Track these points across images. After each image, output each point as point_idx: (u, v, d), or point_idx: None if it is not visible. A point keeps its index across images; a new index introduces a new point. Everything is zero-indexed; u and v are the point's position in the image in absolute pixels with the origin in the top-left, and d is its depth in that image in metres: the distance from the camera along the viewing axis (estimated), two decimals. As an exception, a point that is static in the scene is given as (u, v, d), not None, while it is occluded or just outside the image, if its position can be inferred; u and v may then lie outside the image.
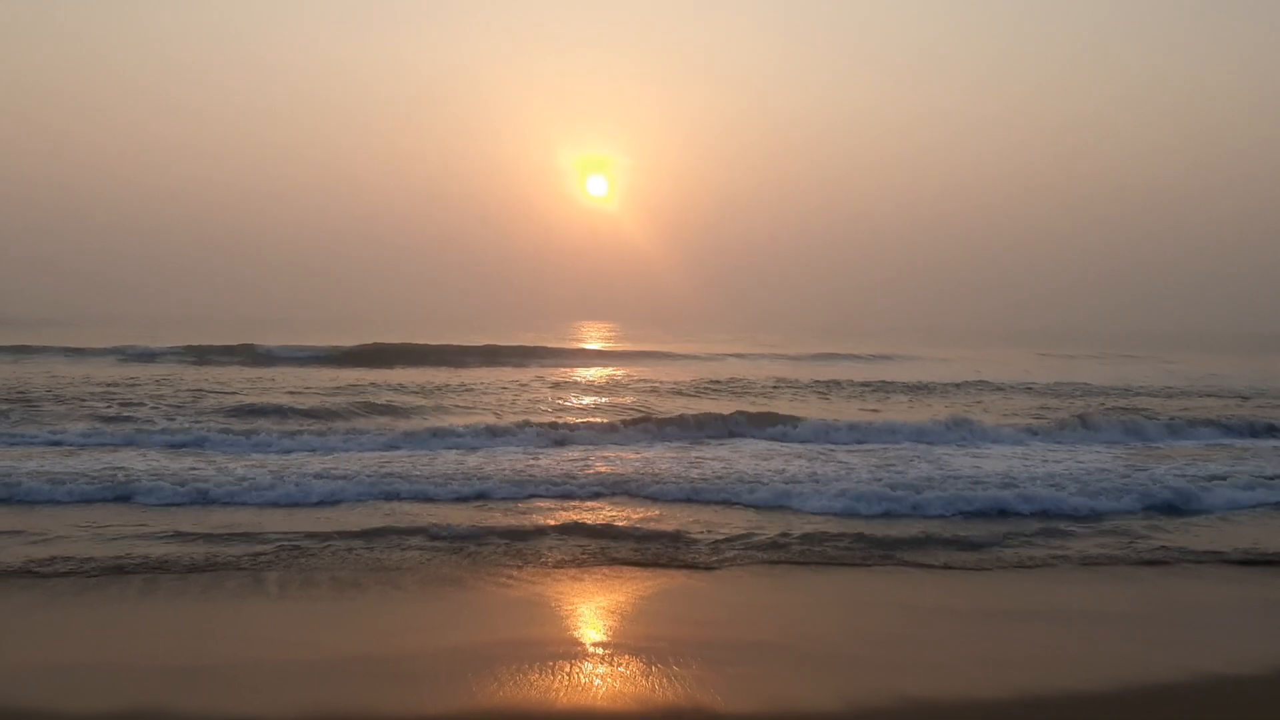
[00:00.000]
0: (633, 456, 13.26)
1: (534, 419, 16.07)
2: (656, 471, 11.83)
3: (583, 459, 12.87)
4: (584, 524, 9.10)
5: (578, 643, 5.93)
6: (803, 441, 15.19)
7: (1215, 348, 65.82)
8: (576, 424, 15.93)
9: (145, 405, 17.76)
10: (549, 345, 43.64)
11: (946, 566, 8.03)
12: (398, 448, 13.57)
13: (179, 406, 17.83)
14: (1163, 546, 8.73)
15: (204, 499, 9.91)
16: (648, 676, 5.24)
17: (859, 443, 15.15)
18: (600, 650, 5.76)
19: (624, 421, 16.36)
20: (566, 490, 10.77)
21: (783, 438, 15.57)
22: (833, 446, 14.68)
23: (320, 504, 9.90)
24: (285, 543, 8.16)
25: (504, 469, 11.75)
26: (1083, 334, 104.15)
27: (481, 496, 10.40)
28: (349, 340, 37.66)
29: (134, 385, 21.74)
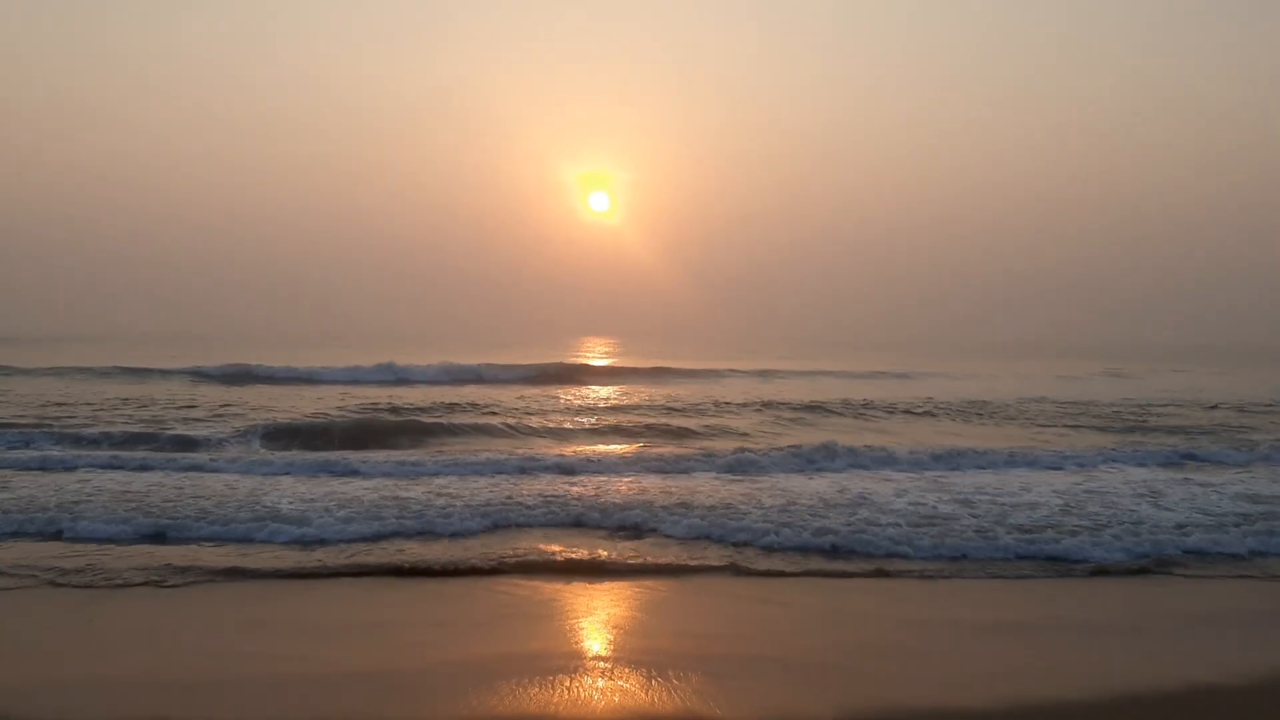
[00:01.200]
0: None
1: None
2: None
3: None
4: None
5: (578, 655, 6.02)
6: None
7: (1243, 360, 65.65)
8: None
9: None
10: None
11: (942, 577, 8.16)
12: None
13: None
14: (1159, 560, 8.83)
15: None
16: (647, 690, 5.34)
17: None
18: (601, 663, 5.85)
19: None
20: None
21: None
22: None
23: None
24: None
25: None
26: (1105, 345, 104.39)
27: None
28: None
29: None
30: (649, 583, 7.86)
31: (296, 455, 14.51)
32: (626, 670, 5.68)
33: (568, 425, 19.63)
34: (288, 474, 12.91)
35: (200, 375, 30.60)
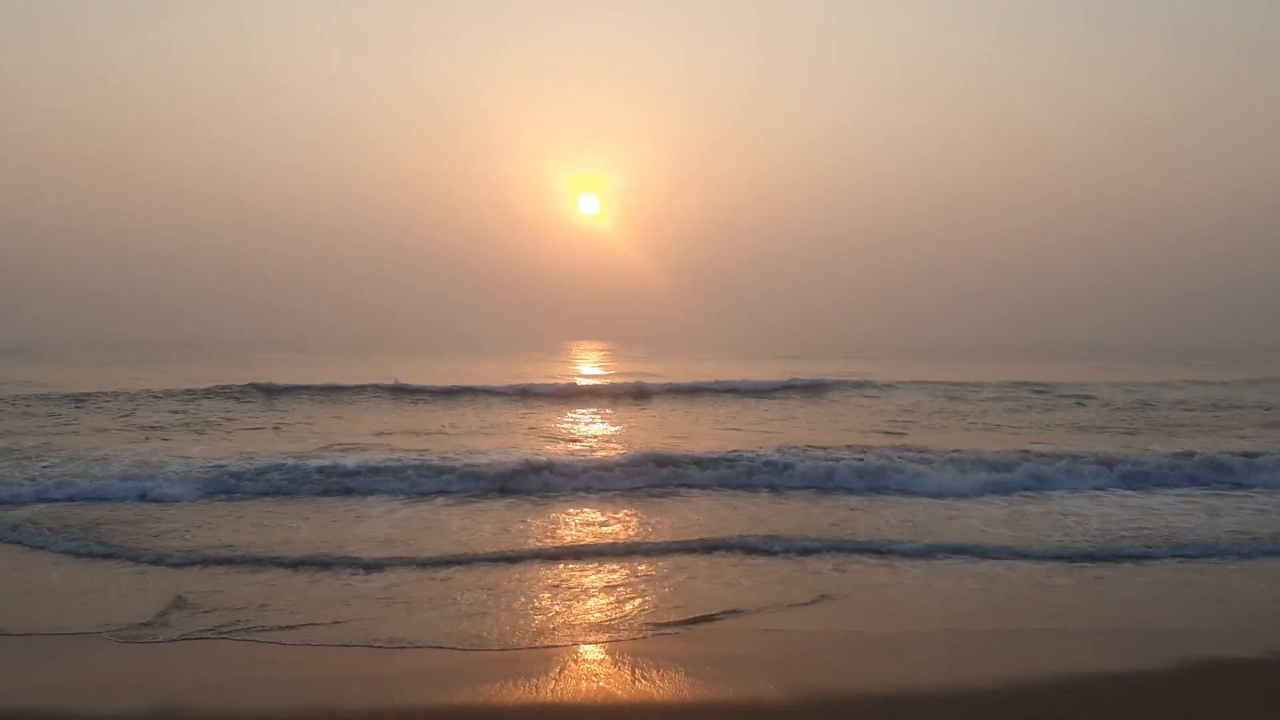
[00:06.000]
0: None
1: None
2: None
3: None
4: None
5: (563, 648, 6.28)
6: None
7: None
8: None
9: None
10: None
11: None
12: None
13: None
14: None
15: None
16: (630, 691, 5.61)
17: None
18: (586, 656, 6.13)
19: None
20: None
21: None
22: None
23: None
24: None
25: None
26: (1101, 345, 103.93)
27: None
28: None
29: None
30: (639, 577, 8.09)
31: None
32: (611, 663, 6.00)
33: None
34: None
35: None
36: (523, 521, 10.80)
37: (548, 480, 12.95)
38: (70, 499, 11.81)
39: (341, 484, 12.69)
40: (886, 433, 19.57)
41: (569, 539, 9.91)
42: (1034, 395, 29.68)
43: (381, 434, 18.96)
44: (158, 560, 8.85)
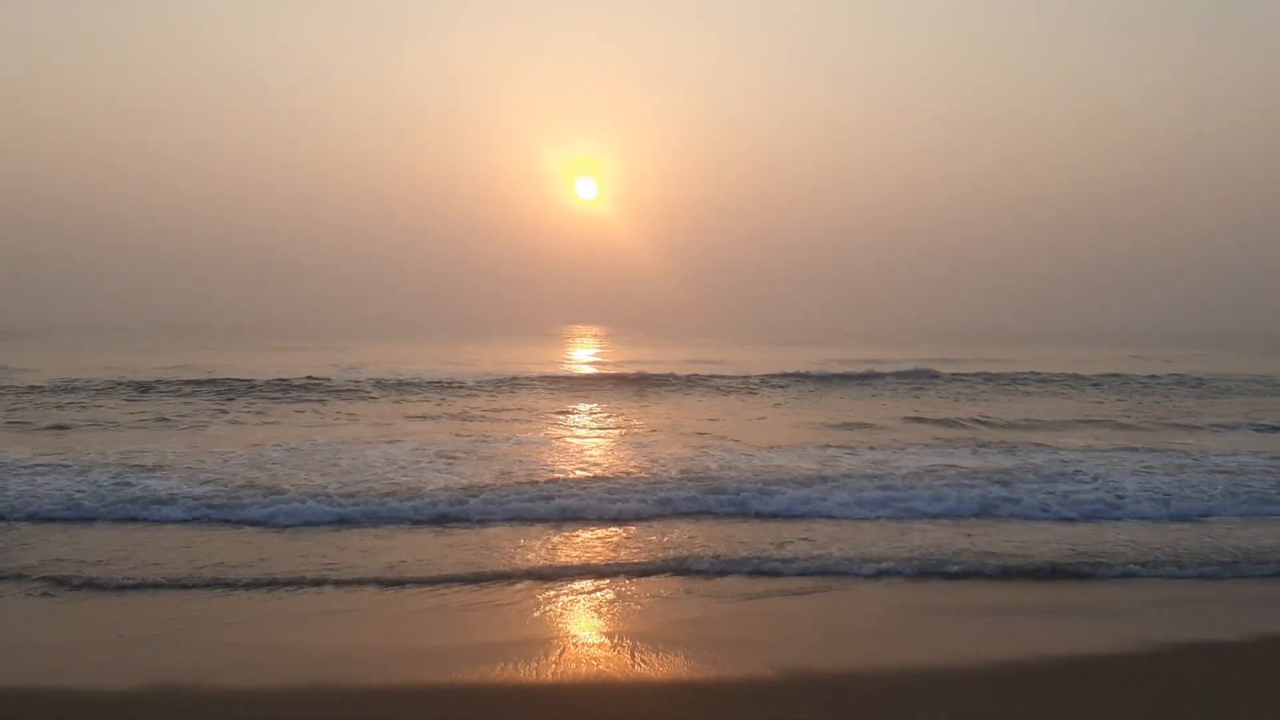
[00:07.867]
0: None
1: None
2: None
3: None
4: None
5: (565, 638, 6.48)
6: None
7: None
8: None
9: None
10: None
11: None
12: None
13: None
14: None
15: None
16: (629, 674, 5.79)
17: None
18: (591, 645, 6.34)
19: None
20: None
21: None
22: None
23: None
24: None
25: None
26: (1113, 334, 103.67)
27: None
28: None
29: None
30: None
31: None
32: (616, 649, 6.21)
33: None
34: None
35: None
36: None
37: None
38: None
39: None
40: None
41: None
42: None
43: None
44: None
